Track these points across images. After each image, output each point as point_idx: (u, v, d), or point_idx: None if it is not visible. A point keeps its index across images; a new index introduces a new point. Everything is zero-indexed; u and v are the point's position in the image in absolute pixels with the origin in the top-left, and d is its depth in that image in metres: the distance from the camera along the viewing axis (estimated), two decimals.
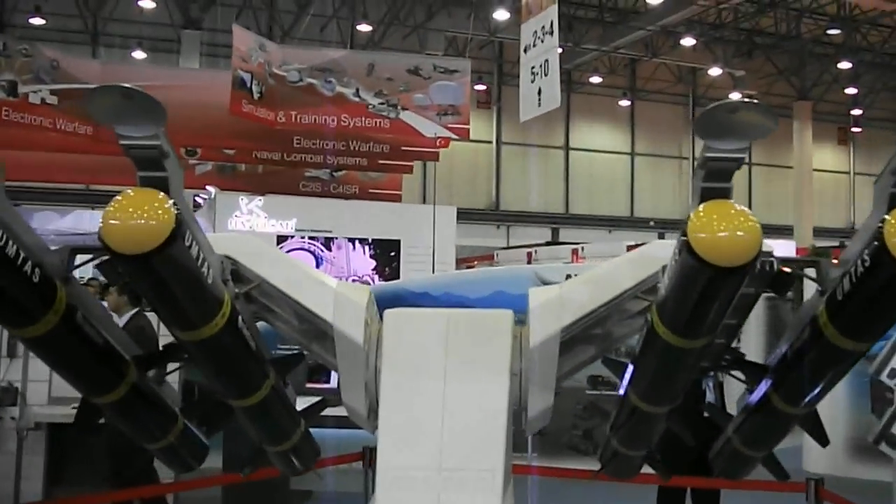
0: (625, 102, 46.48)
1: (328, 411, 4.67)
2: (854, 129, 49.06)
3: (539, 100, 19.12)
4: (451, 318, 3.95)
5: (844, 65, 41.92)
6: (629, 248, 31.10)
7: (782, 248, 28.73)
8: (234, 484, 8.25)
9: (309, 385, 10.14)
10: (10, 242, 2.90)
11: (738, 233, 2.79)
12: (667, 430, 4.19)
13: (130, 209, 2.77)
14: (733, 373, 4.35)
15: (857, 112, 48.08)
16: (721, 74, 41.95)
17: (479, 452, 3.60)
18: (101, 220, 2.79)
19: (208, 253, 3.16)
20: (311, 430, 4.56)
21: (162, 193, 2.84)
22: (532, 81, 19.19)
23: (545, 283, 12.57)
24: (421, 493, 3.52)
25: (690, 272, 2.91)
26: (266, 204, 20.96)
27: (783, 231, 42.65)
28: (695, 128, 2.86)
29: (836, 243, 42.21)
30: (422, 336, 3.89)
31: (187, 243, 2.89)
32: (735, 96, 44.10)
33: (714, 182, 2.95)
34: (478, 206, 42.02)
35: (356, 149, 26.09)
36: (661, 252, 3.71)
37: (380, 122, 24.80)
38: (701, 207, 2.87)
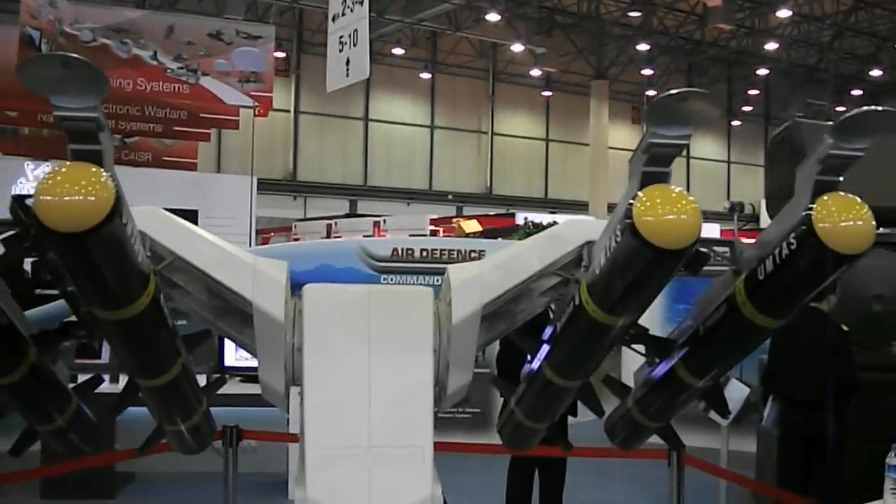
0: (426, 75, 46.24)
1: None
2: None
3: (347, 70, 18.72)
4: (372, 295, 3.90)
5: (643, 46, 42.91)
6: (433, 221, 31.38)
7: (707, 230, 29.13)
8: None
9: (78, 360, 9.60)
10: (129, 221, 2.84)
11: (683, 216, 2.87)
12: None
13: (67, 184, 2.63)
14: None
15: (651, 93, 49.38)
16: (522, 51, 42.19)
17: (408, 429, 3.61)
18: (33, 196, 2.62)
19: (135, 229, 3.02)
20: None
21: (98, 168, 2.70)
22: (340, 51, 18.75)
23: (371, 256, 12.23)
24: (352, 470, 3.50)
25: (633, 254, 2.96)
26: None
27: (579, 207, 43.51)
28: (645, 115, 2.92)
29: None
30: (343, 312, 3.81)
31: (124, 220, 2.77)
32: (535, 73, 44.75)
33: (655, 166, 3.01)
34: (274, 177, 41.02)
35: (151, 114, 24.97)
36: (577, 229, 3.92)
37: (178, 88, 23.79)
38: (645, 191, 2.92)
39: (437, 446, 3.76)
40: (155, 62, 23.44)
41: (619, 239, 3.00)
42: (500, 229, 26.47)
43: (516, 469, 8.99)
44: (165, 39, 23.67)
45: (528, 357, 4.20)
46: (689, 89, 2.79)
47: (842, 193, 3.14)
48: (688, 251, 2.93)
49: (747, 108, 54.47)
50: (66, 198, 2.61)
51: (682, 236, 2.89)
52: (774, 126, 56.43)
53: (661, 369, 4.15)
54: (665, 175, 3.00)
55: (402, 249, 12.54)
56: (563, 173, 49.00)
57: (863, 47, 46.63)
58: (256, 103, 25.25)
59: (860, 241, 3.06)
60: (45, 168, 19.70)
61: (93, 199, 2.62)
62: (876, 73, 47.31)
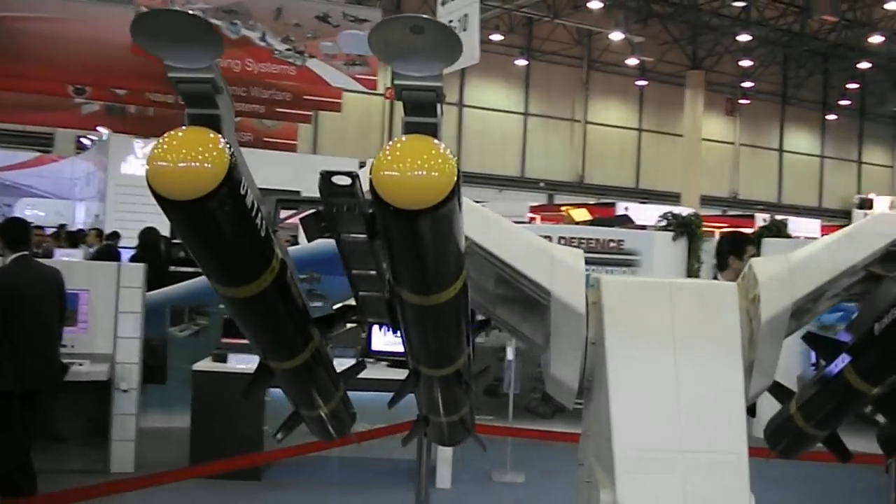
0: (521, 62, 46.11)
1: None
2: (742, 101, 49.70)
3: None
4: (674, 289, 3.72)
5: (744, 37, 42.27)
6: (532, 208, 31.20)
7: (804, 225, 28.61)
8: None
9: (225, 340, 9.91)
10: (249, 192, 2.63)
11: (423, 172, 2.45)
12: None
13: (183, 150, 2.45)
14: None
15: (747, 84, 48.76)
16: (619, 40, 41.84)
17: (721, 435, 3.42)
18: (146, 163, 2.46)
19: (260, 202, 2.80)
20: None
21: (214, 133, 2.52)
22: None
23: None
24: (665, 475, 3.35)
25: (380, 217, 2.62)
26: None
27: (671, 198, 43.11)
28: (370, 45, 2.45)
29: (720, 212, 43.21)
30: (646, 308, 3.65)
31: (242, 191, 2.56)
32: (631, 62, 44.38)
33: (416, 116, 2.62)
34: (366, 159, 41.17)
35: (257, 95, 25.32)
36: (887, 226, 3.79)
37: (285, 69, 24.07)
38: (390, 144, 2.54)
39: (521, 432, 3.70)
40: (263, 43, 23.76)
41: None
42: (609, 219, 26.22)
43: None
44: (274, 21, 23.95)
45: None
46: (417, 15, 2.44)
47: None
48: (435, 212, 2.58)
49: (844, 103, 53.33)
50: (181, 164, 2.45)
51: (421, 195, 2.53)
52: (870, 121, 55.50)
53: (830, 373, 3.96)
54: (432, 126, 2.65)
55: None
56: (656, 164, 48.57)
57: None
58: (363, 87, 25.45)
59: None
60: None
61: (208, 165, 2.45)
62: None
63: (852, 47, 45.83)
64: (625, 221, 24.63)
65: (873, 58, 46.13)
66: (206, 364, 9.57)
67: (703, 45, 45.12)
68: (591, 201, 37.48)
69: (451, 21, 18.79)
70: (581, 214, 28.33)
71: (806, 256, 3.86)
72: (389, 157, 2.44)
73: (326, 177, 2.81)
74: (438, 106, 2.60)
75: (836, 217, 51.16)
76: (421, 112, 2.61)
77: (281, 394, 4.10)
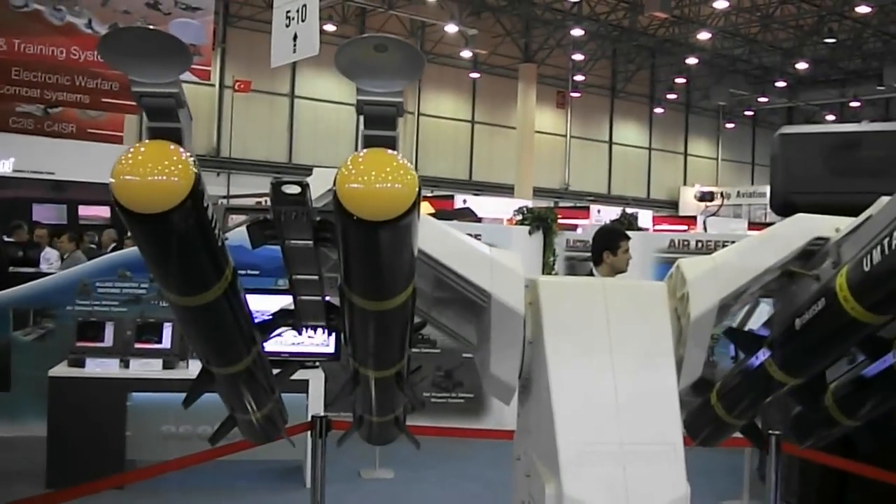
0: None
1: None
2: (573, 94, 50.54)
3: (294, 46, 18.44)
4: (608, 289, 3.87)
5: (576, 31, 43.06)
6: None
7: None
8: None
9: (138, 345, 9.34)
10: (210, 203, 2.71)
11: (387, 185, 2.58)
12: None
13: (149, 164, 2.52)
14: None
15: (579, 78, 49.57)
16: (453, 32, 41.91)
17: (658, 427, 3.58)
18: (111, 176, 2.50)
19: (215, 211, 2.88)
20: None
21: (177, 146, 2.60)
22: (287, 26, 18.46)
23: None
24: (608, 467, 3.46)
25: (342, 226, 2.74)
26: None
27: (504, 189, 43.47)
28: (336, 63, 2.65)
29: (552, 203, 43.83)
30: (582, 307, 3.78)
31: (205, 203, 2.66)
32: (465, 54, 44.50)
33: (376, 129, 2.77)
34: (197, 153, 39.96)
35: (81, 85, 24.19)
36: (805, 226, 3.99)
37: None
38: (351, 157, 2.68)
39: (436, 431, 3.88)
40: (90, 31, 22.83)
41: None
42: (451, 212, 26.13)
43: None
44: (101, 7, 23.10)
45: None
46: (383, 35, 2.57)
47: None
48: (398, 224, 2.68)
49: (671, 96, 55.00)
50: (148, 178, 2.51)
51: (387, 207, 2.63)
52: (695, 114, 57.39)
53: (751, 366, 4.14)
54: (390, 139, 2.75)
55: None
56: (489, 156, 48.89)
57: (787, 40, 47.37)
58: (196, 77, 24.65)
59: None
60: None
61: (174, 178, 2.52)
62: (800, 65, 47.99)
63: (680, 43, 47.35)
64: (466, 214, 24.65)
65: (700, 53, 47.70)
66: (62, 369, 9.04)
67: (536, 39, 45.68)
68: (427, 194, 37.44)
69: (288, 12, 18.36)
70: (423, 208, 28.01)
71: (731, 256, 4.06)
72: (353, 171, 2.56)
73: (277, 186, 2.89)
74: (181, 111, 2.71)
75: (664, 207, 52.69)
76: (381, 126, 2.71)
77: (144, 398, 4.02)
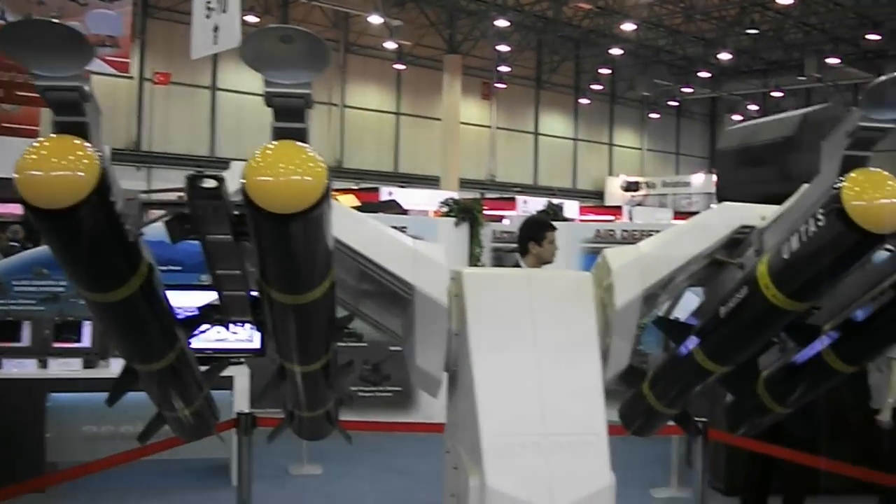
0: None
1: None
2: (498, 85, 50.56)
3: (215, 37, 18.25)
4: (532, 280, 3.92)
5: (501, 22, 43.01)
6: None
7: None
8: None
9: (57, 345, 9.18)
10: (118, 198, 2.72)
11: (295, 177, 2.57)
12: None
13: (53, 159, 2.50)
14: None
15: (504, 69, 49.63)
16: (377, 23, 41.64)
17: (582, 417, 3.61)
18: (15, 171, 2.48)
19: (129, 208, 2.94)
20: None
21: (82, 140, 2.58)
22: (207, 17, 18.32)
23: None
24: (531, 459, 3.47)
25: (838, 239, 2.94)
26: None
27: (430, 181, 43.36)
28: (863, 98, 2.77)
29: (479, 194, 43.80)
30: (506, 299, 3.81)
31: (112, 198, 2.66)
32: (389, 45, 44.29)
33: (858, 150, 2.92)
34: (117, 146, 39.42)
35: None
36: (731, 215, 3.96)
37: None
38: (852, 175, 2.87)
39: (364, 425, 3.98)
40: (3, 21, 22.26)
41: (820, 223, 2.96)
42: (377, 204, 26.03)
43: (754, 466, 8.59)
44: None
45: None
46: (289, 27, 2.55)
47: (872, 169, 3.02)
48: (307, 216, 2.68)
49: (596, 87, 55.29)
50: (52, 173, 2.49)
51: (893, 220, 2.85)
52: (620, 105, 57.81)
53: (680, 355, 4.15)
54: (866, 159, 2.98)
55: None
56: (415, 147, 48.73)
57: (710, 31, 47.89)
58: (114, 70, 24.25)
59: (892, 219, 2.92)
60: None
61: (80, 174, 2.50)
62: (723, 56, 48.51)
63: (604, 34, 47.60)
64: (392, 206, 24.56)
65: (624, 44, 48.00)
66: None
67: (461, 30, 45.56)
68: (353, 186, 37.22)
69: (208, 2, 18.12)
70: (349, 200, 27.86)
71: (656, 246, 4.05)
72: (262, 163, 2.55)
73: (192, 180, 2.86)
74: (87, 105, 2.67)
75: (591, 197, 52.99)
76: (290, 118, 2.70)
77: (64, 399, 4.00)
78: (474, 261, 12.36)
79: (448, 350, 3.87)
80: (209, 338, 5.77)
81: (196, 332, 3.81)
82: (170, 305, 3.52)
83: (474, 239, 12.55)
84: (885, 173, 2.98)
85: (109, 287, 2.99)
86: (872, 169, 3.01)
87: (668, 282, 4.05)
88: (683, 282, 4.29)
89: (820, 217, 3.04)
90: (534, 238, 8.01)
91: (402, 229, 11.89)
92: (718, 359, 3.94)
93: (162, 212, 3.23)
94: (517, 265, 8.07)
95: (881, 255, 3.64)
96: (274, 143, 2.62)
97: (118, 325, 3.40)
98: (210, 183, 2.84)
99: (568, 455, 3.49)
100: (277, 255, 2.84)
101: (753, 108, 55.83)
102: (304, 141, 2.65)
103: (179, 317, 3.71)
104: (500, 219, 17.18)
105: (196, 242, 3.17)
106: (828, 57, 47.06)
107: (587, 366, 3.72)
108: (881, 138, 3.09)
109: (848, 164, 3.08)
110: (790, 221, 3.43)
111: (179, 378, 3.91)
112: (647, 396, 4.57)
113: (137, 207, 3.05)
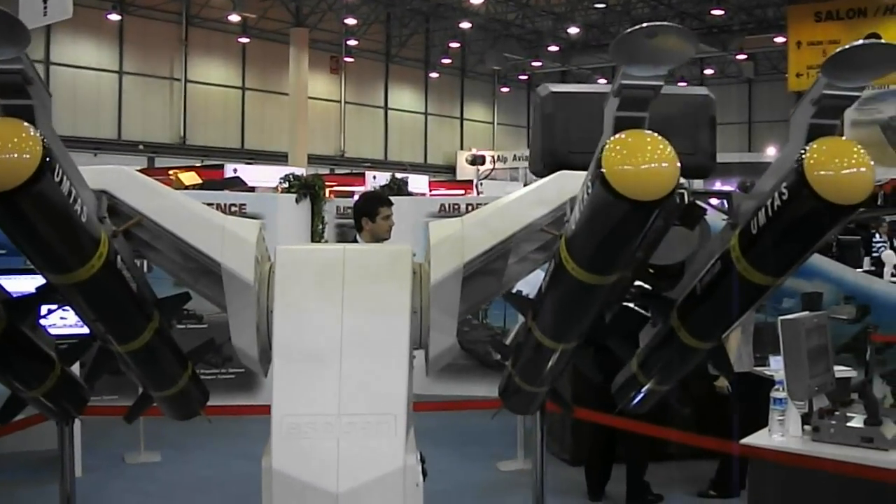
0: (114, 16, 43.54)
1: None
2: (346, 59, 50.13)
3: (45, 8, 17.46)
4: (348, 255, 3.78)
5: None
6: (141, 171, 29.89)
7: (413, 182, 28.52)
8: None
9: None
10: (65, 179, 2.76)
11: (655, 164, 2.67)
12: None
13: None
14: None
15: (352, 43, 49.20)
16: None
17: (380, 397, 3.50)
18: None
19: (81, 188, 3.01)
20: None
21: (26, 123, 2.65)
22: None
23: None
24: (320, 440, 3.39)
25: (605, 207, 2.80)
26: None
27: (278, 157, 42.76)
28: (611, 53, 2.66)
29: (329, 170, 43.47)
30: (316, 274, 3.70)
31: (57, 178, 2.69)
32: (233, 18, 43.31)
33: (629, 111, 2.85)
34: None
35: None
36: (563, 185, 3.78)
37: None
38: (616, 137, 2.75)
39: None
40: None
41: (590, 191, 2.85)
42: (220, 181, 25.39)
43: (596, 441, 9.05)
44: None
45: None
46: (658, 24, 2.55)
47: (837, 137, 2.91)
48: (664, 203, 2.72)
49: (446, 61, 55.31)
50: None
51: (657, 186, 2.69)
52: (471, 79, 58.06)
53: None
54: (640, 120, 2.85)
55: None
56: (262, 123, 47.88)
57: (559, 5, 48.37)
58: None
59: (857, 190, 2.80)
60: None
61: (23, 155, 2.56)
62: (572, 30, 49.04)
63: (453, 7, 47.69)
64: (236, 183, 24.11)
65: (473, 18, 48.14)
66: None
67: (307, 2, 45.00)
68: (197, 164, 36.42)
69: None
70: (190, 178, 27.09)
71: (480, 219, 3.98)
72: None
73: None
74: (32, 88, 2.74)
75: (442, 172, 53.09)
76: (12, 94, 2.74)
77: None
78: (317, 237, 12.23)
79: (262, 328, 3.80)
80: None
81: (39, 316, 3.92)
82: (143, 286, 3.64)
83: (316, 215, 12.40)
84: (851, 141, 2.86)
85: (68, 268, 3.07)
86: (838, 137, 2.89)
87: (500, 254, 3.94)
88: (537, 254, 4.13)
89: (783, 189, 2.94)
90: (367, 214, 7.85)
91: (241, 207, 11.61)
92: (552, 335, 3.87)
93: None
94: (355, 241, 7.90)
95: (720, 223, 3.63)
96: None
97: (85, 306, 3.46)
98: None
99: (360, 436, 3.40)
100: (23, 236, 2.91)
101: (602, 81, 56.59)
102: (30, 119, 2.71)
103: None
104: (350, 195, 16.98)
105: None
106: None
107: (393, 344, 3.61)
108: (847, 106, 2.99)
109: (814, 133, 2.98)
110: (761, 194, 3.28)
111: (158, 358, 4.01)
112: (513, 375, 4.52)
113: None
